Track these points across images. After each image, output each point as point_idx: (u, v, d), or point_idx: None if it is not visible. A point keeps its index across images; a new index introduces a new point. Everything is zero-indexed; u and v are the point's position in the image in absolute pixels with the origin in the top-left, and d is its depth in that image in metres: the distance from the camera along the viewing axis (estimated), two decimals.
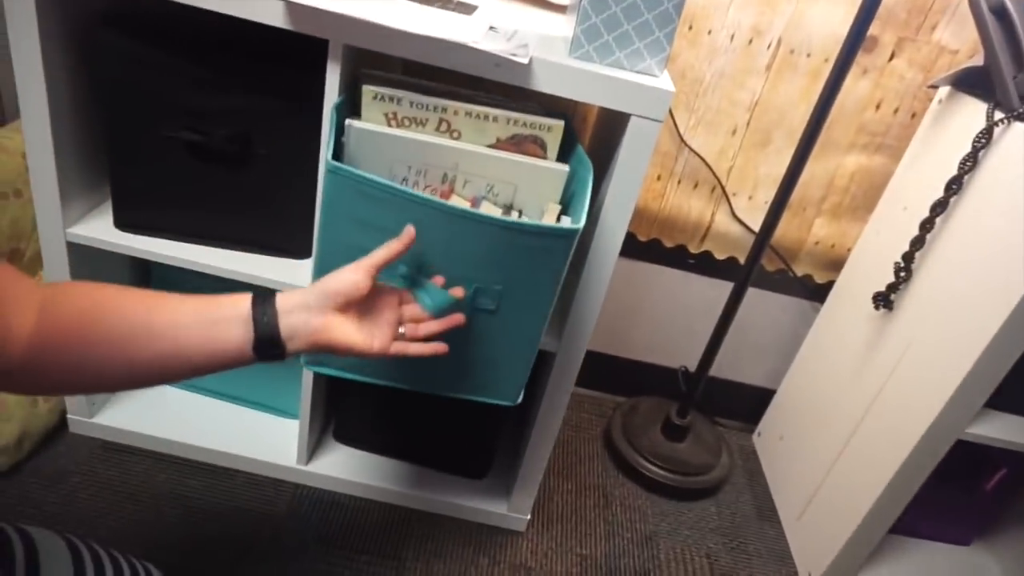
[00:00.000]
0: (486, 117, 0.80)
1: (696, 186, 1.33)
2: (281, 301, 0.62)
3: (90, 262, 1.02)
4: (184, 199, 0.97)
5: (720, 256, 1.40)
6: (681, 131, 1.27)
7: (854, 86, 1.21)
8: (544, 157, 0.83)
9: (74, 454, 1.17)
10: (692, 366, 1.45)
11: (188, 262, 0.97)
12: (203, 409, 1.24)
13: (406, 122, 0.80)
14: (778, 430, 1.50)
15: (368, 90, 0.79)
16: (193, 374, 0.59)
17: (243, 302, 0.60)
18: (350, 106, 0.83)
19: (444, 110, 0.79)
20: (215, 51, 0.87)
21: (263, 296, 0.62)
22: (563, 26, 0.93)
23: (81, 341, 0.54)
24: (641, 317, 1.50)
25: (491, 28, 0.84)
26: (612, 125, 0.94)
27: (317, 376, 1.08)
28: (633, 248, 1.39)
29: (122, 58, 0.87)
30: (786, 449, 1.45)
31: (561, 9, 1.01)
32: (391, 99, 0.78)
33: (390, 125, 0.79)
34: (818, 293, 1.43)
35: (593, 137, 1.21)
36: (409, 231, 0.69)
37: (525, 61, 0.77)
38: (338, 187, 0.72)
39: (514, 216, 0.82)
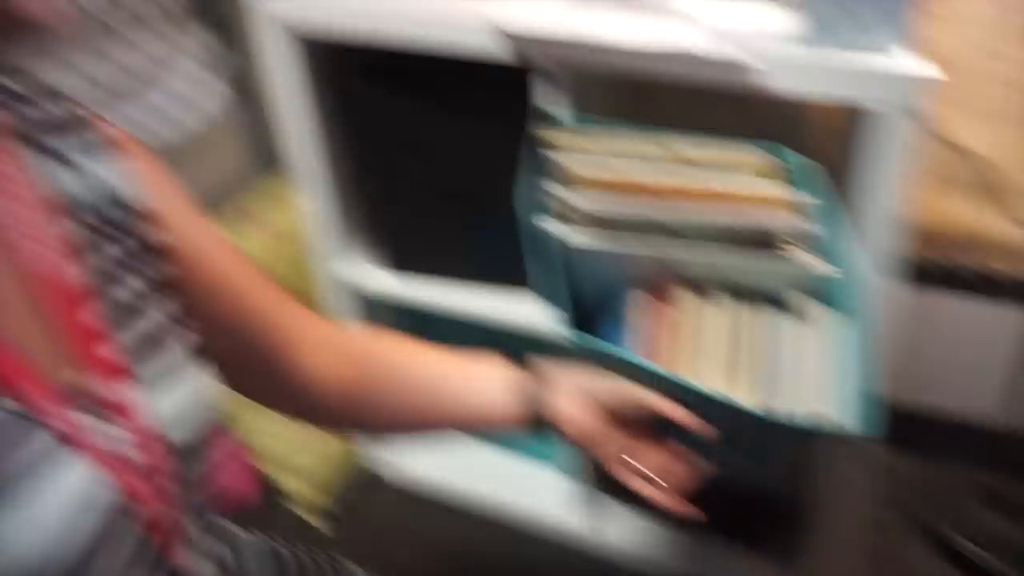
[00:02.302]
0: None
1: (971, 189, 1.13)
2: (551, 374, 0.62)
3: (356, 302, 1.11)
4: (436, 239, 1.01)
5: None
6: (944, 124, 1.09)
7: None
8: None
9: (379, 498, 1.26)
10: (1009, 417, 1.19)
11: (437, 302, 1.03)
12: (490, 459, 1.28)
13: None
14: None
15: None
16: (465, 431, 0.66)
17: (517, 373, 0.62)
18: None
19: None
20: (453, 91, 0.90)
21: (535, 366, 0.63)
22: (780, 16, 0.85)
23: (373, 393, 0.60)
24: (925, 355, 1.27)
25: (714, 31, 0.80)
26: (856, 125, 0.84)
27: None
28: (908, 272, 1.19)
29: (372, 106, 0.95)
30: None
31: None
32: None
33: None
34: None
35: (836, 143, 1.10)
36: (697, 423, 0.60)
37: (745, 59, 0.71)
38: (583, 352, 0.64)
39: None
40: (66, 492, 0.37)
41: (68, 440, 0.38)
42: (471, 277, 1.04)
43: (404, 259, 1.06)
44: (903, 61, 0.70)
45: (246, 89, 1.31)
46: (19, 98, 0.45)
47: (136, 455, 0.41)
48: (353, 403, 0.60)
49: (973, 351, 1.25)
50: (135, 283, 0.47)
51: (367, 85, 0.94)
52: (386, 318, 1.22)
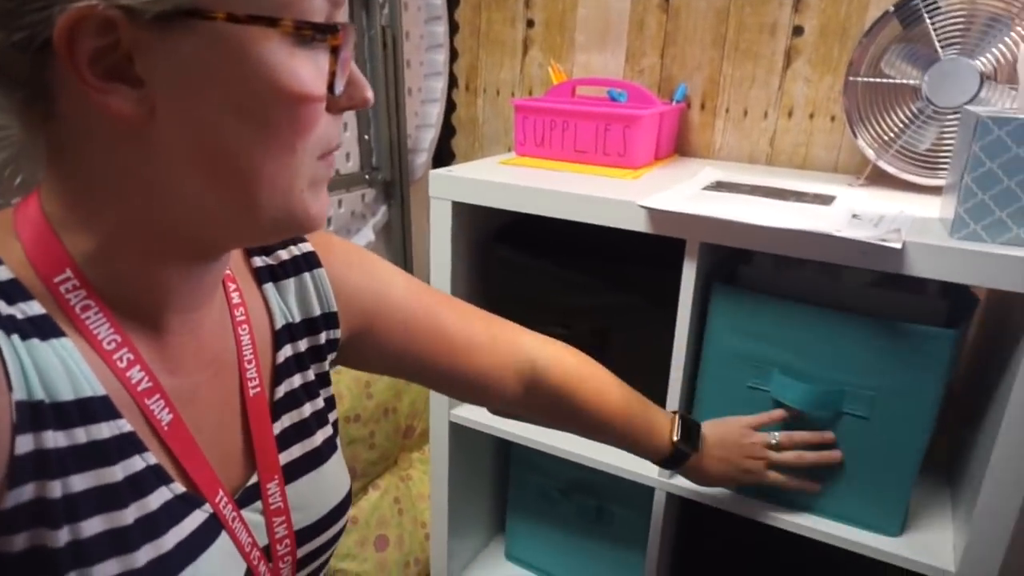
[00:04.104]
0: None
1: None
2: (706, 428, 0.82)
3: (464, 438, 1.15)
4: None
5: None
6: None
7: None
8: None
9: None
10: None
11: (542, 444, 1.05)
12: None
13: None
14: None
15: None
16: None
17: (675, 423, 0.79)
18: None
19: None
20: (583, 257, 0.98)
21: (691, 423, 0.81)
22: (937, 209, 0.86)
23: (553, 413, 0.76)
24: None
25: (854, 216, 0.81)
26: (1010, 313, 0.81)
27: (660, 567, 1.03)
28: None
29: (507, 266, 1.02)
30: None
31: (935, 191, 0.94)
32: None
33: None
34: None
35: (980, 329, 1.05)
36: (780, 414, 0.86)
37: (897, 246, 0.72)
38: (728, 305, 0.88)
39: None
40: (209, 566, 0.44)
41: (218, 524, 0.46)
42: None
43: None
44: None
45: (390, 237, 1.44)
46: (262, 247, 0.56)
47: (264, 538, 0.50)
48: (541, 415, 0.77)
49: None
50: (309, 387, 0.56)
51: (505, 246, 1.02)
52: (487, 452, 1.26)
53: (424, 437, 1.37)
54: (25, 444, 0.37)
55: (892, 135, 0.98)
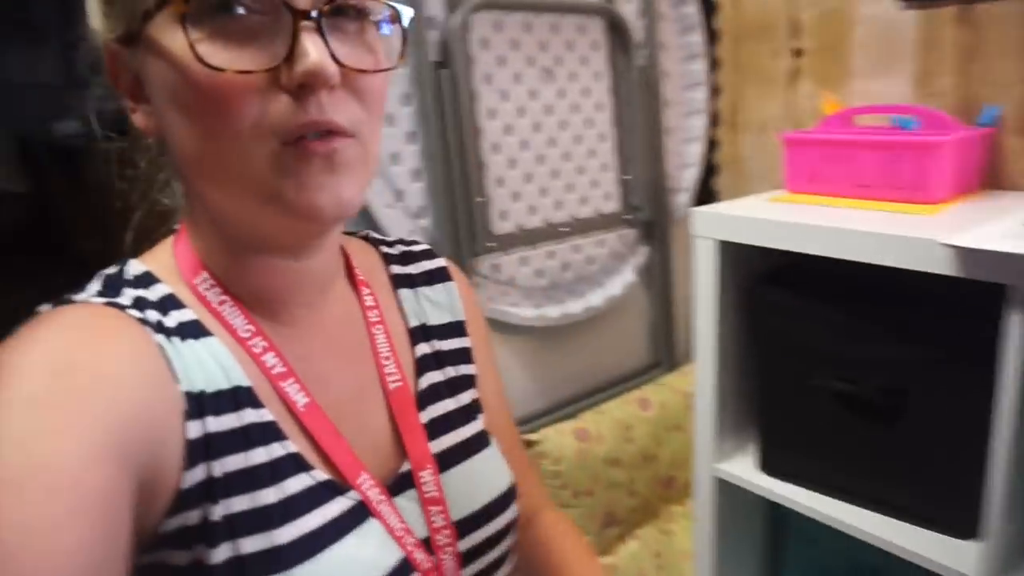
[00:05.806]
0: None
1: None
2: None
3: (731, 497, 1.08)
4: (829, 451, 0.93)
5: None
6: None
7: None
8: None
9: None
10: None
11: (826, 517, 0.93)
12: None
13: None
14: None
15: None
16: None
17: None
18: None
19: None
20: (868, 301, 0.87)
21: None
22: None
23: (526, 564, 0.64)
24: None
25: None
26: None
27: None
28: None
29: (778, 311, 0.95)
30: None
31: None
32: None
33: None
34: None
35: None
36: None
37: None
38: None
39: None
40: (357, 553, 0.44)
41: (366, 510, 0.46)
42: (858, 496, 0.94)
43: (785, 464, 1.01)
44: None
45: (651, 278, 1.42)
46: (399, 256, 0.61)
47: (424, 529, 0.49)
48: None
49: None
50: (450, 385, 0.58)
51: (776, 288, 0.95)
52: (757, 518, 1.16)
53: (686, 490, 1.32)
54: (195, 430, 0.42)
55: None
